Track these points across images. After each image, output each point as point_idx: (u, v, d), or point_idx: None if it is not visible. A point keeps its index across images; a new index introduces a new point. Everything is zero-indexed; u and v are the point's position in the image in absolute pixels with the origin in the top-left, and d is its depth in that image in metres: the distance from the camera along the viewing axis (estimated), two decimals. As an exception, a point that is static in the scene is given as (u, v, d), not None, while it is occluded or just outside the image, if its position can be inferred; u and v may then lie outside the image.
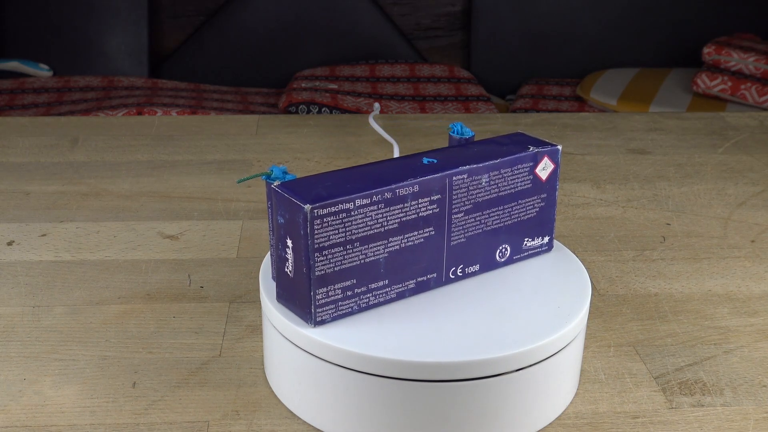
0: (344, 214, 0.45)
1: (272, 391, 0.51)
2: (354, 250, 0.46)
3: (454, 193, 0.49)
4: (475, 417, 0.46)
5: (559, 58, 2.37)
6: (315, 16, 2.32)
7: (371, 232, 0.47)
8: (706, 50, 2.06)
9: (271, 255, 0.50)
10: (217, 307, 0.60)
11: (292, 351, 0.48)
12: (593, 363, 0.55)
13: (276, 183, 0.47)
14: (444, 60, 2.42)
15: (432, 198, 0.48)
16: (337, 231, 0.45)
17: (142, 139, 0.92)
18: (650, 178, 0.84)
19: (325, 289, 0.46)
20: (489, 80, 2.37)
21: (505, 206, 0.52)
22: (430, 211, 0.48)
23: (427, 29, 2.41)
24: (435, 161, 0.49)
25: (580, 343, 0.50)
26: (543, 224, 0.54)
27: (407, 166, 0.49)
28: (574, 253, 0.60)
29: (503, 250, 0.53)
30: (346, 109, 1.92)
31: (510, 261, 0.54)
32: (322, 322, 0.47)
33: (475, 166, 0.49)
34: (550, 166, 0.53)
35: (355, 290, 0.47)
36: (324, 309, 0.47)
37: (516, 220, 0.53)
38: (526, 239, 0.54)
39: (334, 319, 0.47)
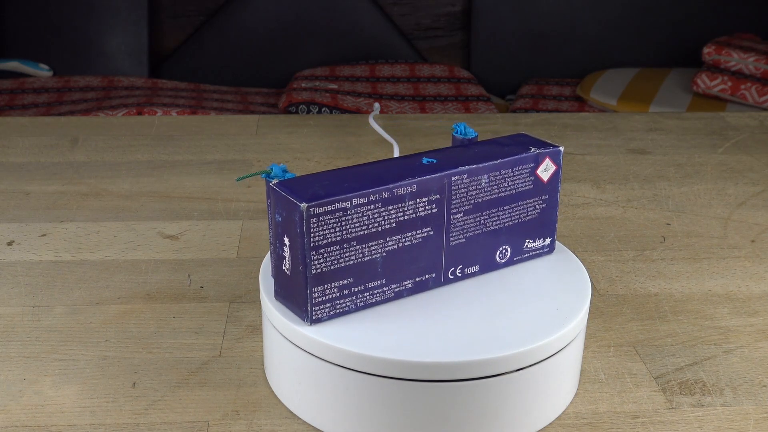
0: (341, 213, 0.45)
1: (272, 391, 0.51)
2: (351, 249, 0.46)
3: (453, 193, 0.49)
4: (475, 417, 0.46)
5: (559, 58, 2.37)
6: (315, 16, 2.32)
7: (368, 231, 0.47)
8: (706, 50, 2.06)
9: (270, 253, 0.50)
10: (217, 307, 0.60)
11: (292, 351, 0.48)
12: (593, 363, 0.55)
13: (274, 181, 0.47)
14: (444, 60, 2.42)
15: (430, 198, 0.48)
16: (333, 230, 0.45)
17: (142, 139, 0.92)
18: (650, 178, 0.84)
19: (321, 288, 0.46)
20: (489, 80, 2.37)
21: (506, 207, 0.52)
22: (429, 211, 0.48)
23: (427, 29, 2.41)
24: (434, 161, 0.49)
25: (580, 343, 0.50)
26: (544, 226, 0.54)
27: (406, 166, 0.49)
28: (574, 253, 0.60)
29: (503, 251, 0.53)
30: (346, 109, 1.92)
31: (511, 262, 0.54)
32: (319, 321, 0.47)
33: (474, 166, 0.49)
34: (552, 168, 0.53)
35: (352, 289, 0.47)
36: (320, 307, 0.47)
37: (517, 221, 0.53)
38: (527, 241, 0.54)
39: (330, 317, 0.47)
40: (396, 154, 0.80)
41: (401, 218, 0.48)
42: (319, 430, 0.48)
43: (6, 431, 0.48)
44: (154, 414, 0.49)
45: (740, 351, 0.56)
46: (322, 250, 0.45)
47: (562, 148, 0.53)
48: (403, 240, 0.48)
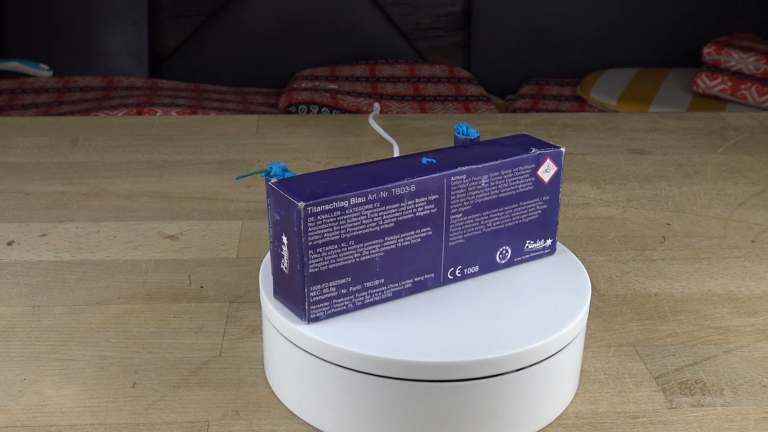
0: (339, 212, 0.45)
1: (272, 391, 0.51)
2: (349, 248, 0.46)
3: (452, 193, 0.49)
4: (475, 417, 0.46)
5: (559, 58, 2.37)
6: (315, 16, 2.32)
7: (366, 230, 0.47)
8: (706, 50, 2.06)
9: (270, 252, 0.50)
10: (217, 307, 0.60)
11: (292, 351, 0.48)
12: (593, 363, 0.55)
13: (273, 180, 0.47)
14: (444, 60, 2.42)
15: (429, 198, 0.48)
16: (331, 229, 0.45)
17: (142, 139, 0.92)
18: (650, 178, 0.84)
19: (319, 287, 0.46)
20: (489, 80, 2.37)
21: (506, 208, 0.52)
22: (428, 211, 0.48)
23: (427, 29, 2.41)
24: (434, 161, 0.49)
25: (580, 343, 0.50)
26: (545, 227, 0.54)
27: (405, 166, 0.49)
28: (574, 253, 0.60)
29: (504, 251, 0.53)
30: (346, 109, 1.92)
31: (511, 263, 0.54)
32: (317, 319, 0.47)
33: (474, 167, 0.49)
34: (553, 169, 0.53)
35: (350, 288, 0.47)
36: (318, 306, 0.47)
37: (517, 222, 0.53)
38: (527, 241, 0.54)
39: (328, 316, 0.47)
40: (396, 154, 0.80)
41: (400, 218, 0.48)
42: (319, 430, 0.48)
43: (6, 431, 0.48)
44: (154, 414, 0.49)
45: (740, 351, 0.56)
46: (320, 249, 0.46)
47: (563, 149, 0.53)
48: (402, 240, 0.48)
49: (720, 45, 2.06)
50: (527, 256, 0.54)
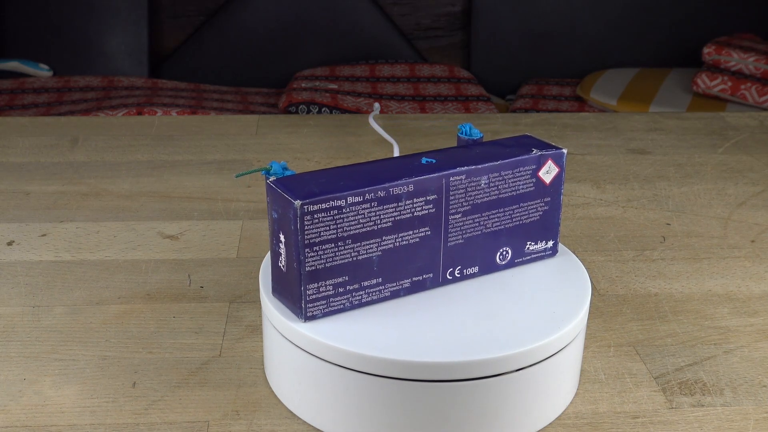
0: (335, 211, 0.45)
1: (272, 391, 0.51)
2: (346, 247, 0.46)
3: (451, 193, 0.49)
4: (475, 417, 0.46)
5: (559, 58, 2.37)
6: (315, 16, 2.32)
7: (364, 229, 0.47)
8: (706, 50, 2.06)
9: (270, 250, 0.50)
10: (217, 307, 0.60)
11: (292, 351, 0.48)
12: (593, 363, 0.55)
13: (271, 178, 0.47)
14: (444, 60, 2.42)
15: (428, 198, 0.48)
16: (328, 227, 0.45)
17: (142, 139, 0.92)
18: (650, 178, 0.84)
19: (315, 285, 0.46)
20: (489, 80, 2.37)
21: (506, 209, 0.52)
22: (426, 211, 0.48)
23: (427, 29, 2.41)
24: (433, 161, 0.49)
25: (580, 343, 0.50)
26: (547, 228, 0.54)
27: (404, 166, 0.49)
28: (574, 253, 0.60)
29: (504, 252, 0.53)
30: (346, 109, 1.92)
31: (512, 264, 0.54)
32: (314, 317, 0.47)
33: (473, 167, 0.49)
34: (555, 170, 0.53)
35: (348, 287, 0.48)
36: (315, 304, 0.47)
37: (518, 223, 0.52)
38: (528, 243, 0.54)
39: (325, 314, 0.47)
40: (396, 154, 0.80)
41: (397, 217, 0.48)
42: (319, 430, 0.48)
43: (6, 431, 0.48)
44: (154, 414, 0.49)
45: (740, 351, 0.56)
46: (317, 248, 0.46)
47: (565, 151, 0.52)
48: (400, 239, 0.48)
49: (720, 45, 2.06)
50: (528, 257, 0.54)
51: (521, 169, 0.51)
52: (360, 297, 0.48)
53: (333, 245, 0.46)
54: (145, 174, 0.83)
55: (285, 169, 0.49)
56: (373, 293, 0.49)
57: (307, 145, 0.91)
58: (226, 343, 0.56)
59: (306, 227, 0.45)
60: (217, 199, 0.78)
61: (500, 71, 2.38)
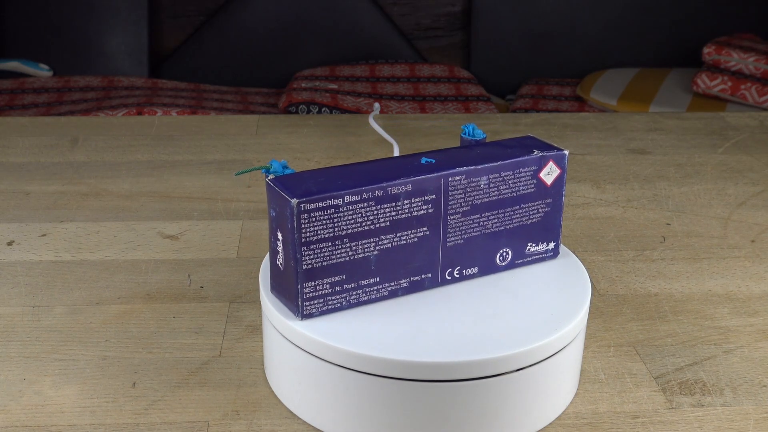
0: (332, 210, 0.45)
1: (272, 391, 0.51)
2: (343, 245, 0.46)
3: (450, 193, 0.49)
4: (475, 417, 0.46)
5: (559, 58, 2.37)
6: (315, 16, 2.32)
7: (361, 228, 0.47)
8: (706, 50, 2.06)
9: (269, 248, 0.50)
10: (217, 307, 0.60)
11: (292, 351, 0.48)
12: (593, 363, 0.55)
13: (270, 177, 0.47)
14: (444, 60, 2.42)
15: (426, 198, 0.48)
16: (325, 226, 0.45)
17: (142, 139, 0.92)
18: (650, 178, 0.84)
19: (312, 283, 0.46)
20: (489, 80, 2.37)
21: (506, 210, 0.51)
22: (424, 211, 0.48)
23: (427, 29, 2.41)
24: (433, 161, 0.49)
25: (580, 343, 0.50)
26: (548, 230, 0.54)
27: (403, 166, 0.49)
28: (574, 253, 0.60)
29: (504, 253, 0.53)
30: (346, 109, 1.92)
31: (512, 265, 0.53)
32: (310, 316, 0.47)
33: (473, 167, 0.49)
34: (556, 171, 0.52)
35: (345, 286, 0.48)
36: (311, 303, 0.47)
37: (518, 224, 0.52)
38: (529, 244, 0.53)
39: (322, 313, 0.47)
40: (396, 154, 0.80)
41: (395, 217, 0.47)
42: (319, 430, 0.48)
43: (6, 431, 0.48)
44: (154, 414, 0.49)
45: (740, 351, 0.56)
46: (314, 246, 0.46)
47: (566, 152, 0.52)
48: (398, 239, 0.48)
49: (720, 45, 2.06)
50: (529, 258, 0.54)
51: (522, 170, 0.51)
52: (357, 296, 0.48)
53: (330, 244, 0.46)
54: (145, 174, 0.83)
55: (285, 167, 0.49)
56: (371, 292, 0.49)
57: (307, 145, 0.91)
58: (226, 343, 0.56)
59: (303, 225, 0.45)
60: (217, 199, 0.78)
61: (500, 71, 2.38)
